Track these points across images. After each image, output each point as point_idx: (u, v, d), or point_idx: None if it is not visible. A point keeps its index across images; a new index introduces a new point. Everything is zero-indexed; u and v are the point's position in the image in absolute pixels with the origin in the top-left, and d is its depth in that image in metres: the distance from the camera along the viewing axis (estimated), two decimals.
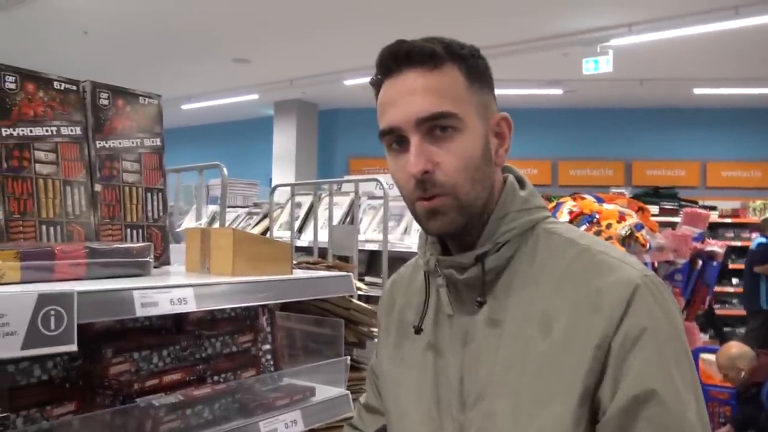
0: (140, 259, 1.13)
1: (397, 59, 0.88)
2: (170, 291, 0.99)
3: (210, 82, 9.08)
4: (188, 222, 3.95)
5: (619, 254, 0.89)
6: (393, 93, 0.88)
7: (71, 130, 1.29)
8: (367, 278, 3.73)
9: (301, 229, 4.01)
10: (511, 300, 0.89)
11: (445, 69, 0.88)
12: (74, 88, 1.31)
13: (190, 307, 1.01)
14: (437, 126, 0.86)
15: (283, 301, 1.32)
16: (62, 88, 1.29)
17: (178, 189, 2.29)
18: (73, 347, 0.84)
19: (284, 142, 10.33)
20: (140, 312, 0.94)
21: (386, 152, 0.92)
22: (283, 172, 9.97)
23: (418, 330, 0.95)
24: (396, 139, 0.89)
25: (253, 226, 4.66)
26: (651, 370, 0.79)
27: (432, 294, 0.96)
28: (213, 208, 5.12)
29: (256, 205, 5.34)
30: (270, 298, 1.19)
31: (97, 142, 1.33)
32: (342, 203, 3.99)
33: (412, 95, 0.86)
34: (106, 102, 1.36)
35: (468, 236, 0.92)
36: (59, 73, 1.31)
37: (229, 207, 5.58)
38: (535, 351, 0.84)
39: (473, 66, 0.90)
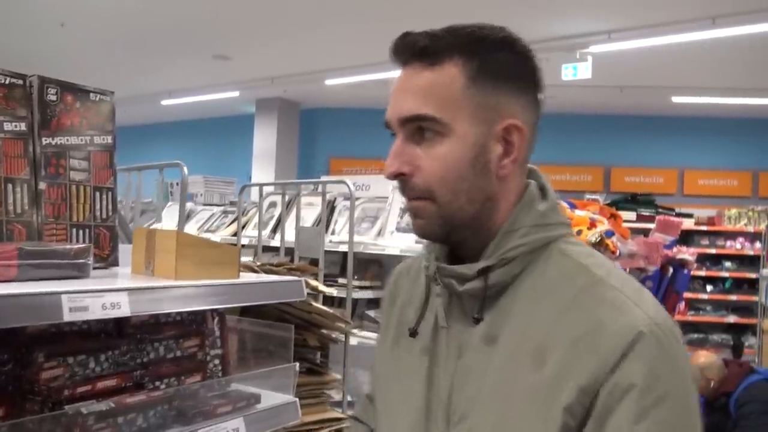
0: (78, 261, 1.09)
1: (397, 52, 0.84)
2: (103, 295, 0.95)
3: (190, 78, 8.98)
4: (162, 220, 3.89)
5: (633, 292, 0.80)
6: (394, 87, 0.85)
7: (15, 126, 1.25)
8: (340, 280, 3.70)
9: (275, 230, 3.97)
10: (510, 320, 0.83)
11: (443, 66, 0.81)
12: (20, 82, 1.27)
13: (124, 312, 0.97)
14: (420, 127, 0.82)
15: (226, 306, 1.29)
16: (7, 82, 1.25)
17: (139, 187, 2.27)
18: None
19: (265, 140, 10.25)
20: (68, 317, 0.91)
21: None
22: (263, 171, 9.89)
23: (413, 333, 0.91)
24: (393, 133, 0.85)
25: (227, 225, 4.62)
26: (637, 429, 0.73)
27: (432, 298, 0.91)
28: (190, 205, 5.05)
29: (232, 203, 5.29)
30: (213, 303, 1.16)
31: (43, 138, 1.29)
32: (319, 204, 3.95)
33: (402, 93, 0.83)
34: (54, 97, 1.32)
35: (469, 248, 0.86)
36: (35, 65, 1.27)
37: (205, 205, 5.53)
38: (524, 381, 0.79)
39: (488, 61, 0.82)
